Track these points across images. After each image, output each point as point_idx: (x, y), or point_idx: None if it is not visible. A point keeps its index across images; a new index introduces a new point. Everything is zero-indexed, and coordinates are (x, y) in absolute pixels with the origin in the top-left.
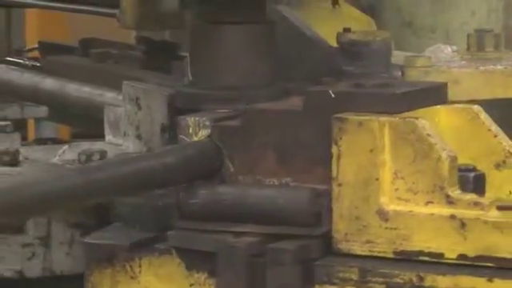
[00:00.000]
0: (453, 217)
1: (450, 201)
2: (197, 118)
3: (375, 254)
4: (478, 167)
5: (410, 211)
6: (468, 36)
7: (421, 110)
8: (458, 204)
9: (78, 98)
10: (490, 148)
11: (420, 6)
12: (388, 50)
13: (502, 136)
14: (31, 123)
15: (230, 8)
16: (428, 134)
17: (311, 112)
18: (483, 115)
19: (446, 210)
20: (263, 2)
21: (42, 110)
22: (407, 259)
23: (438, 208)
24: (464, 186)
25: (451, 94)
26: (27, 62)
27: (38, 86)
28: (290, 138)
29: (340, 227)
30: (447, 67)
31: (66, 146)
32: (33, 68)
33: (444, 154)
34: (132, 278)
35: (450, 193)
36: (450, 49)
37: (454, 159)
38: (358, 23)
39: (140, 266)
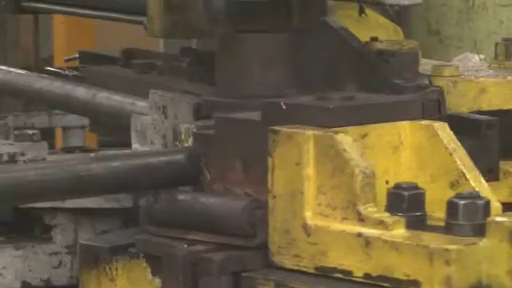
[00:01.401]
0: (360, 235)
1: (360, 218)
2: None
3: (301, 268)
4: (435, 186)
5: (328, 227)
6: (496, 45)
7: (386, 125)
8: (366, 222)
9: (108, 107)
10: (445, 167)
11: (447, 15)
12: (415, 59)
13: (459, 155)
14: (59, 132)
15: (255, 17)
16: (344, 149)
17: (266, 123)
18: (444, 132)
19: (356, 228)
20: (289, 11)
21: (70, 119)
22: (325, 275)
23: (350, 225)
24: (399, 204)
25: (478, 103)
26: (67, 72)
27: (70, 94)
28: (251, 149)
29: (274, 240)
30: (475, 76)
31: (92, 155)
32: (73, 78)
33: (357, 170)
34: (111, 280)
35: (360, 210)
36: (477, 58)
37: (368, 175)
38: (386, 32)
39: (117, 269)
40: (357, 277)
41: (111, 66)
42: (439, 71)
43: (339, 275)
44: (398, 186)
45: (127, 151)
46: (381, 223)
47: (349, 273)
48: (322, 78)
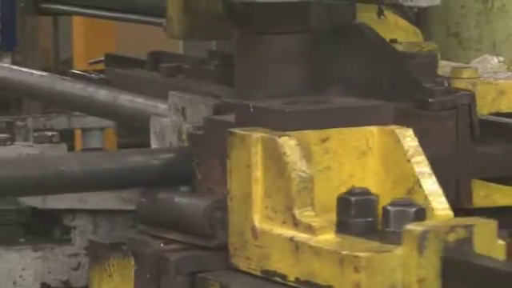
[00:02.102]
0: (291, 239)
1: (294, 222)
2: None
3: (251, 271)
4: (396, 192)
5: (271, 230)
6: None
7: (351, 130)
8: (299, 226)
9: (130, 109)
10: (403, 173)
11: (466, 17)
12: (434, 61)
13: (417, 161)
14: (78, 133)
15: (275, 18)
16: (284, 153)
17: (238, 124)
18: (406, 138)
19: (290, 232)
20: (306, 12)
21: (89, 121)
22: (268, 279)
23: (287, 229)
24: (347, 209)
25: (497, 105)
26: (93, 75)
27: (92, 96)
28: (226, 149)
29: (232, 241)
30: (493, 78)
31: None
32: (99, 81)
33: (293, 174)
34: (109, 276)
35: (295, 214)
36: (496, 60)
37: (305, 180)
38: (405, 34)
39: (113, 266)
40: (290, 281)
41: (138, 69)
42: (458, 73)
43: (278, 279)
44: (349, 192)
45: (119, 150)
46: (309, 228)
47: (284, 277)
48: (347, 81)
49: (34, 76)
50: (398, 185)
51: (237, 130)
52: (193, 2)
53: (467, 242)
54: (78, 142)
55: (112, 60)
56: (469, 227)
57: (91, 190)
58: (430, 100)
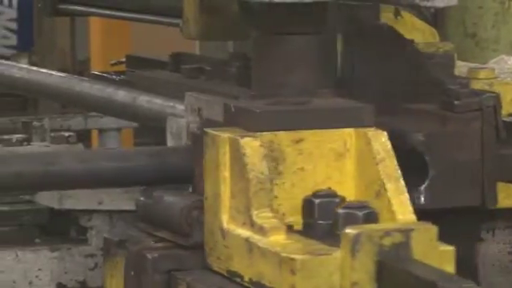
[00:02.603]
0: (247, 240)
1: (251, 223)
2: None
3: (220, 271)
4: (366, 195)
5: (234, 230)
6: None
7: (328, 132)
8: (254, 227)
9: (148, 110)
10: (372, 176)
11: (483, 18)
12: (451, 62)
13: (386, 164)
14: (95, 134)
15: (292, 19)
16: (244, 154)
17: (225, 125)
18: (376, 141)
19: (247, 233)
20: (324, 13)
21: (106, 121)
22: (230, 279)
23: (245, 230)
24: (310, 211)
25: None
26: (114, 77)
27: (110, 97)
28: None
29: (207, 240)
30: (511, 79)
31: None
32: (120, 82)
33: (251, 175)
34: (118, 272)
35: (252, 215)
36: None
37: (262, 181)
38: (422, 34)
39: (119, 262)
40: (245, 282)
41: (159, 71)
42: (475, 74)
43: (238, 279)
44: (314, 194)
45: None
46: (261, 229)
47: (242, 277)
48: (368, 81)
49: (52, 77)
50: (368, 188)
51: (209, 130)
52: (209, 2)
53: (404, 246)
54: (95, 143)
55: (133, 61)
56: (406, 232)
57: (89, 187)
58: (456, 102)
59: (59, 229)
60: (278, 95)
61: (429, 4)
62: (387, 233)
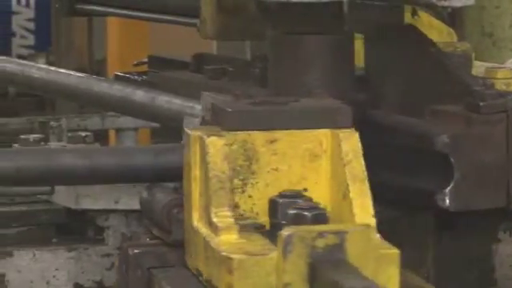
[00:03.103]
0: (204, 238)
1: (209, 222)
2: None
3: (192, 269)
4: (335, 196)
5: (200, 229)
6: None
7: (303, 132)
8: (211, 226)
9: (167, 110)
10: (340, 178)
11: (501, 17)
12: (468, 62)
13: (353, 166)
14: (112, 134)
15: (308, 19)
16: (207, 152)
17: (212, 124)
18: (347, 142)
19: (206, 232)
20: (341, 12)
21: (123, 121)
22: (197, 277)
23: (205, 228)
24: (275, 211)
25: None
26: (136, 77)
27: (129, 97)
28: None
29: (185, 238)
30: None
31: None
32: (142, 83)
33: (211, 174)
34: None
35: (211, 214)
36: None
37: (222, 180)
38: (439, 34)
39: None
40: (204, 280)
41: (182, 71)
42: (492, 73)
43: (201, 278)
44: (280, 194)
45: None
46: (216, 228)
47: (202, 276)
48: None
49: (71, 77)
50: (338, 189)
51: (186, 129)
52: (226, 2)
53: (338, 248)
54: (112, 143)
55: (155, 62)
56: (340, 234)
57: (89, 183)
58: (481, 103)
59: (76, 229)
60: (290, 95)
61: (446, 4)
62: (320, 234)
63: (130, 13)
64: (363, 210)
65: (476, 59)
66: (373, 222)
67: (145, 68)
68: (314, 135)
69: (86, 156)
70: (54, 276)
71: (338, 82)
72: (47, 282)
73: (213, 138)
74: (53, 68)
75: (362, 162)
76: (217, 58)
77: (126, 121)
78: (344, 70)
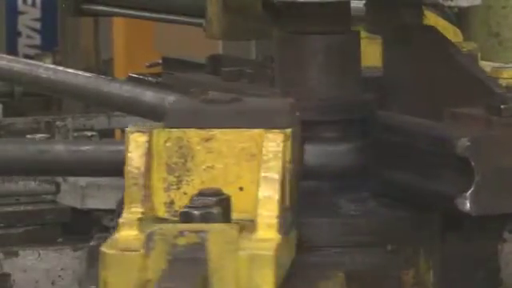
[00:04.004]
0: (114, 235)
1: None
2: None
3: None
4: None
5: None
6: None
7: (239, 131)
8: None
9: None
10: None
11: (507, 17)
12: (475, 62)
13: (268, 167)
14: (118, 133)
15: (313, 18)
16: (127, 148)
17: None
18: (270, 142)
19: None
20: (348, 13)
21: (129, 121)
22: None
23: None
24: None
25: None
26: (150, 79)
27: (138, 98)
28: None
29: None
30: None
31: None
32: (157, 84)
33: (126, 170)
34: None
35: (124, 210)
36: None
37: (135, 176)
38: (445, 34)
39: None
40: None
41: (198, 73)
42: (498, 73)
43: None
44: (200, 192)
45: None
46: (122, 224)
47: None
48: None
49: (79, 77)
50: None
51: (129, 126)
52: (232, 1)
53: (200, 247)
54: None
55: (169, 63)
56: (200, 233)
57: (80, 175)
58: (502, 106)
59: (82, 228)
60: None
61: (452, 3)
62: (181, 233)
63: (137, 13)
64: (267, 210)
65: (482, 59)
66: (274, 222)
67: (158, 69)
68: (249, 135)
69: (76, 147)
70: (59, 276)
71: (344, 82)
72: (52, 282)
73: (135, 134)
74: (61, 68)
75: (280, 164)
76: (233, 60)
77: (133, 120)
78: (351, 69)
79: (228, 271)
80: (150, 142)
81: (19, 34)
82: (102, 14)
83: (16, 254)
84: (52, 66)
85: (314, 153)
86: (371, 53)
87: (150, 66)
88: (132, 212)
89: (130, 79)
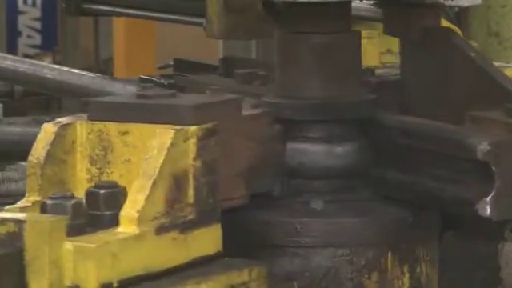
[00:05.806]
0: None
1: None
2: None
3: None
4: None
5: None
6: None
7: (151, 127)
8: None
9: None
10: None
11: (507, 16)
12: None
13: (149, 162)
14: None
15: (313, 17)
16: (36, 140)
17: None
18: (158, 138)
19: None
20: (348, 12)
21: None
22: None
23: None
24: (91, 201)
25: None
26: (162, 81)
27: None
28: None
29: None
30: None
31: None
32: (168, 86)
33: (28, 159)
34: None
35: (24, 198)
36: None
37: (33, 165)
38: None
39: None
40: None
41: (210, 76)
42: None
43: None
44: (97, 185)
45: None
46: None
47: None
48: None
49: (84, 77)
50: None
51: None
52: (233, 1)
53: (18, 237)
54: None
55: (180, 65)
56: (19, 223)
57: None
58: None
59: None
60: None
61: (453, 3)
62: (2, 222)
63: (137, 12)
64: (130, 204)
65: None
66: (135, 217)
67: (169, 71)
68: (160, 130)
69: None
70: None
71: (344, 81)
72: None
73: (48, 125)
74: (65, 68)
75: (160, 161)
76: (246, 62)
77: None
78: (351, 69)
79: (44, 261)
80: (74, 133)
81: (19, 33)
82: (102, 13)
83: None
84: (57, 67)
85: (318, 152)
86: (371, 53)
87: (161, 67)
88: (29, 201)
89: (143, 81)
